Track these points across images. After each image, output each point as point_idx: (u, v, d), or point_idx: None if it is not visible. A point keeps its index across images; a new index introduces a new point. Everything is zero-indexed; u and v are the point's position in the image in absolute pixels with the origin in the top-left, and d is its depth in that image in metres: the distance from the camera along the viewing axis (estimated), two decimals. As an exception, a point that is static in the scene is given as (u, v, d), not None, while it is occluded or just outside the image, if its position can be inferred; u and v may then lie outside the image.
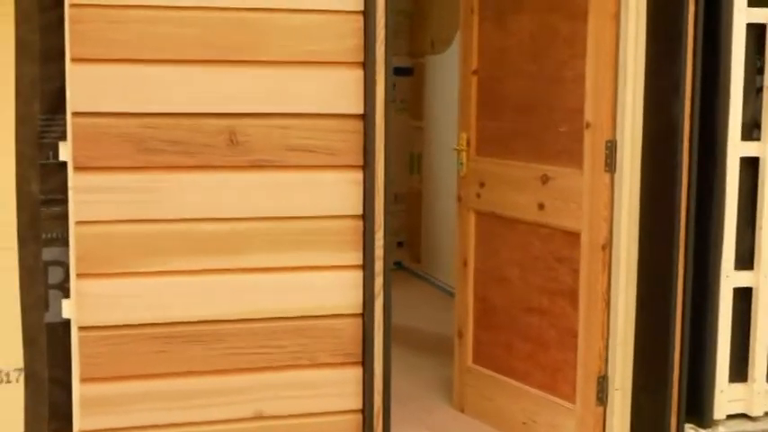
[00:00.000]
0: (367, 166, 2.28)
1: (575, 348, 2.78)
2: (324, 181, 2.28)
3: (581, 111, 2.70)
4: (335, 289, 2.31)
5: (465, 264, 3.09)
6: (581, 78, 2.69)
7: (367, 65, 2.26)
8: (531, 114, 2.85)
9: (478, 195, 3.02)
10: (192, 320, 2.24)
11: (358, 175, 2.30)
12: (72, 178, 2.15)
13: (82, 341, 2.18)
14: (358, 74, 2.27)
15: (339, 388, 2.34)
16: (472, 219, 3.06)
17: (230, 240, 2.24)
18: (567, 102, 2.73)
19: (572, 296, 2.77)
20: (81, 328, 2.18)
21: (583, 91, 2.68)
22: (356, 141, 2.28)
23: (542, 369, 2.88)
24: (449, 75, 4.32)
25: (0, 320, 2.16)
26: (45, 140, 2.17)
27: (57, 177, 2.19)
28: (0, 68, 2.11)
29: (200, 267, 2.23)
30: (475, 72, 3.01)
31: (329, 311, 2.31)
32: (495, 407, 3.00)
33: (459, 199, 3.10)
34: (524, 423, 2.93)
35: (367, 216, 2.30)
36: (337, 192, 2.29)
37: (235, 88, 2.20)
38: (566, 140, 2.75)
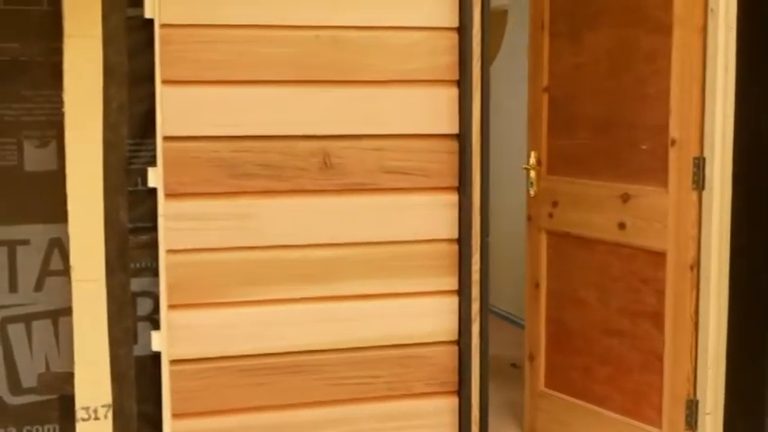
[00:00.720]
0: (463, 188, 2.20)
1: (659, 371, 2.69)
2: (418, 204, 2.20)
3: (665, 127, 2.62)
4: (431, 316, 2.23)
5: (536, 285, 3.01)
6: (664, 94, 2.62)
7: (462, 83, 2.18)
8: (609, 132, 2.78)
9: (551, 215, 2.94)
10: (286, 351, 2.16)
11: (453, 198, 2.22)
12: (162, 205, 2.06)
13: (173, 375, 2.09)
14: (453, 92, 2.19)
15: (435, 418, 2.26)
16: (544, 239, 2.98)
17: (324, 267, 2.15)
18: (650, 119, 2.65)
19: (656, 318, 2.68)
20: (172, 362, 2.09)
21: (667, 107, 2.61)
22: (452, 162, 2.20)
23: (623, 393, 2.79)
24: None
25: (88, 355, 2.06)
26: (133, 166, 2.08)
27: (145, 204, 2.10)
28: (88, 93, 2.01)
29: (293, 296, 2.14)
30: (546, 89, 2.93)
31: (424, 339, 2.23)
32: (571, 432, 2.92)
33: (530, 219, 3.02)
34: (605, 449, 2.84)
35: (463, 240, 2.21)
36: (432, 215, 2.21)
37: (328, 109, 2.12)
38: (648, 158, 2.67)
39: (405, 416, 2.23)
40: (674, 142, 2.61)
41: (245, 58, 2.06)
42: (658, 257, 2.69)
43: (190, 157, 2.06)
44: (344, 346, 2.18)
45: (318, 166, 2.13)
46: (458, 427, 2.26)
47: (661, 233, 2.66)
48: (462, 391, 2.25)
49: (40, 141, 2.08)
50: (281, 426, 2.16)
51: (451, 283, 2.23)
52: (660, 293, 2.68)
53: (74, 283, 2.05)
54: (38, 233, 2.10)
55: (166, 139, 2.05)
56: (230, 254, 2.11)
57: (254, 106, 2.08)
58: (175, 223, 2.06)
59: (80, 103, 2.03)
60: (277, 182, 2.11)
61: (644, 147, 2.70)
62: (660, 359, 2.70)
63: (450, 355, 2.25)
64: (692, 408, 2.63)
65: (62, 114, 2.09)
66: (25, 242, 2.09)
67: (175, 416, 2.10)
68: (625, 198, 2.74)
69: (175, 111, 2.04)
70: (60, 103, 2.09)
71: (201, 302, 2.10)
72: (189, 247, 2.08)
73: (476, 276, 2.22)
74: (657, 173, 2.67)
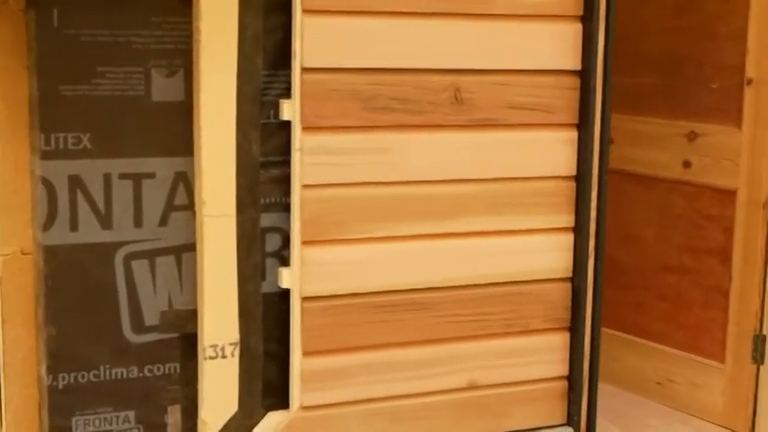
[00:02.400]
0: (583, 126, 2.20)
1: (723, 307, 2.76)
2: (541, 140, 2.20)
3: (739, 67, 2.66)
4: (547, 252, 2.24)
5: (588, 222, 3.03)
6: (738, 34, 2.65)
7: (586, 19, 2.17)
8: (675, 71, 2.80)
9: (606, 153, 2.95)
10: (412, 288, 2.14)
11: (573, 135, 2.21)
12: (299, 139, 2.00)
13: (305, 312, 2.05)
14: (577, 28, 2.18)
15: (548, 355, 2.28)
16: (597, 177, 2.99)
17: (451, 203, 2.14)
18: (721, 58, 2.69)
19: (722, 254, 2.74)
20: (304, 299, 2.05)
21: (742, 47, 2.64)
22: (573, 99, 2.19)
23: (682, 328, 2.86)
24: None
25: (216, 292, 2.00)
26: (266, 98, 2.02)
27: (276, 138, 2.04)
28: (223, 20, 1.94)
29: (421, 232, 2.12)
30: (605, 27, 2.93)
31: (541, 276, 2.24)
32: (624, 368, 2.98)
33: (583, 156, 3.03)
34: (659, 383, 2.91)
35: (581, 177, 2.22)
36: (553, 152, 2.21)
37: (459, 43, 2.09)
38: (719, 97, 2.71)
39: (519, 352, 2.25)
40: (749, 81, 2.65)
41: (385, -11, 2.01)
42: (726, 195, 2.74)
43: (327, 90, 2.01)
44: (464, 283, 2.17)
45: (449, 100, 2.10)
46: (569, 362, 2.28)
47: (731, 171, 2.71)
48: (575, 327, 2.27)
49: (168, 71, 2.00)
50: (404, 363, 2.15)
51: (568, 220, 2.23)
52: (727, 230, 2.74)
53: (205, 219, 1.99)
54: (163, 166, 2.03)
55: (305, 70, 1.99)
56: (362, 189, 2.07)
57: (390, 38, 2.04)
58: (311, 157, 2.02)
59: (215, 31, 1.95)
60: (410, 116, 2.07)
61: (714, 86, 2.73)
62: (724, 295, 2.76)
63: (564, 292, 2.26)
64: (759, 342, 2.71)
65: (191, 42, 2.00)
66: (151, 175, 2.02)
67: (306, 354, 2.06)
68: (692, 137, 2.78)
69: (316, 41, 1.98)
70: (189, 30, 2.00)
71: (332, 239, 2.06)
72: (323, 182, 2.03)
73: (593, 214, 2.22)
74: (729, 112, 2.71)
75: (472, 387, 2.19)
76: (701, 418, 2.81)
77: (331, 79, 2.00)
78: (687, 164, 2.79)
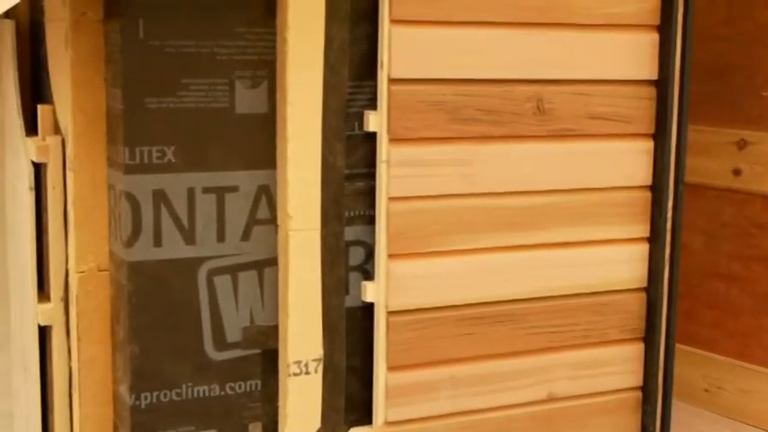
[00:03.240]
0: (659, 135, 2.19)
1: (774, 313, 2.77)
2: (618, 150, 2.19)
3: (791, 75, 2.67)
4: (624, 263, 2.23)
5: (632, 231, 3.02)
6: (792, 42, 2.66)
7: (663, 28, 2.16)
8: (725, 80, 2.81)
9: (651, 161, 2.95)
10: (495, 300, 2.12)
11: (649, 145, 2.21)
12: (385, 151, 1.98)
13: (390, 326, 2.02)
14: (654, 38, 2.17)
15: (624, 365, 2.27)
16: (643, 185, 2.99)
17: (532, 215, 2.12)
18: (773, 66, 2.70)
19: (773, 262, 2.75)
20: (389, 313, 2.02)
21: (794, 55, 2.65)
22: (649, 109, 2.19)
23: (730, 336, 2.86)
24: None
25: (301, 308, 1.97)
26: (350, 110, 1.99)
27: (361, 150, 2.02)
28: (310, 31, 1.91)
29: (504, 244, 2.11)
30: (651, 35, 2.93)
31: (618, 286, 2.23)
32: (671, 375, 2.97)
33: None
34: (707, 390, 2.91)
35: (657, 187, 2.21)
36: (630, 161, 2.20)
37: (541, 53, 2.08)
38: (769, 105, 2.72)
39: (596, 363, 2.23)
40: (803, 90, 2.66)
41: (471, -1, 1.99)
42: (778, 203, 2.75)
43: (415, 101, 1.98)
44: (545, 295, 2.16)
45: (532, 111, 2.08)
46: (643, 373, 2.27)
47: (783, 179, 2.72)
48: (649, 337, 2.26)
49: (251, 82, 1.96)
50: (487, 376, 2.13)
51: (644, 230, 2.22)
52: (779, 238, 2.75)
53: (290, 234, 1.96)
54: (246, 180, 1.99)
55: (392, 81, 1.96)
56: (447, 201, 2.05)
57: (475, 48, 2.02)
58: (397, 170, 1.99)
59: (302, 42, 1.92)
60: (494, 127, 2.05)
61: (765, 94, 2.74)
62: (775, 302, 2.77)
63: (639, 302, 2.25)
64: (812, 348, 2.72)
65: (274, 54, 1.97)
66: (234, 189, 1.98)
67: (391, 368, 2.03)
68: (741, 144, 2.79)
69: (404, 52, 1.96)
70: (273, 41, 1.97)
71: (417, 252, 2.03)
72: (409, 194, 2.00)
73: (668, 224, 2.22)
74: (781, 120, 2.72)
75: (552, 399, 2.18)
76: (751, 425, 2.81)
77: (418, 90, 1.97)
78: (737, 172, 2.80)
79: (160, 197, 1.94)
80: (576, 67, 2.11)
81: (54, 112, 2.15)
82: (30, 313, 2.16)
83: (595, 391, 2.23)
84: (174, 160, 1.94)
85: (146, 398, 1.98)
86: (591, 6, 2.09)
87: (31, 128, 2.13)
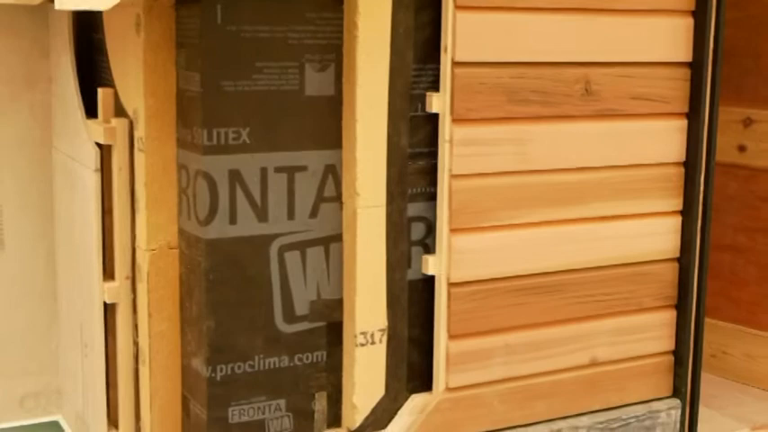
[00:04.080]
0: (693, 114, 2.32)
1: (778, 282, 2.92)
2: (656, 129, 2.31)
3: (795, 56, 2.81)
4: (658, 235, 2.36)
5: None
6: (795, 25, 2.81)
7: (698, 13, 2.29)
8: (732, 61, 2.94)
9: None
10: (545, 271, 2.23)
11: (684, 123, 2.33)
12: (449, 130, 2.08)
13: (451, 297, 2.13)
14: (689, 22, 2.30)
15: (657, 331, 2.40)
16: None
17: (577, 190, 2.24)
18: (778, 48, 2.84)
19: (778, 233, 2.91)
20: (451, 284, 2.13)
21: (799, 38, 2.80)
22: (685, 89, 2.31)
23: (735, 303, 3.01)
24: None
25: (367, 281, 2.07)
26: (414, 92, 2.09)
27: (423, 130, 2.11)
28: (377, 16, 2.00)
29: (553, 218, 2.22)
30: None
31: (654, 257, 2.36)
32: (676, 342, 3.12)
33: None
34: (713, 356, 3.06)
35: (690, 163, 2.34)
36: (666, 139, 2.32)
37: (589, 36, 2.19)
38: (775, 85, 2.86)
39: (634, 329, 2.36)
40: (808, 70, 2.82)
41: (528, -16, 2.09)
42: (783, 177, 2.90)
43: (477, 83, 2.08)
44: (590, 266, 2.27)
45: (580, 92, 2.19)
46: (674, 338, 2.41)
47: (787, 155, 2.87)
48: (681, 304, 2.39)
49: (319, 65, 2.05)
50: (537, 343, 2.25)
51: (678, 204, 2.36)
52: (783, 210, 2.90)
53: (358, 210, 2.05)
54: (314, 159, 2.08)
55: (456, 64, 2.06)
56: (503, 178, 2.15)
57: (532, 32, 2.12)
58: (459, 149, 2.09)
59: (371, 27, 2.01)
60: (546, 107, 2.16)
61: (771, 74, 2.89)
62: (779, 271, 2.93)
63: (672, 272, 2.38)
64: (815, 314, 2.89)
65: (341, 38, 2.06)
66: (303, 168, 2.07)
67: (452, 337, 2.14)
68: (747, 123, 2.93)
69: (468, 36, 2.05)
70: (340, 26, 2.06)
71: (476, 227, 2.14)
72: (470, 171, 2.11)
73: (700, 197, 2.35)
74: (786, 99, 2.87)
75: (594, 364, 2.30)
76: (759, 387, 2.97)
77: (480, 73, 2.08)
78: (742, 148, 2.94)
79: (235, 177, 2.02)
80: (620, 50, 2.22)
81: (115, 95, 2.20)
82: (95, 292, 2.22)
83: (632, 356, 2.37)
84: (248, 141, 2.01)
85: (221, 370, 2.06)
86: (633, -8, 2.20)
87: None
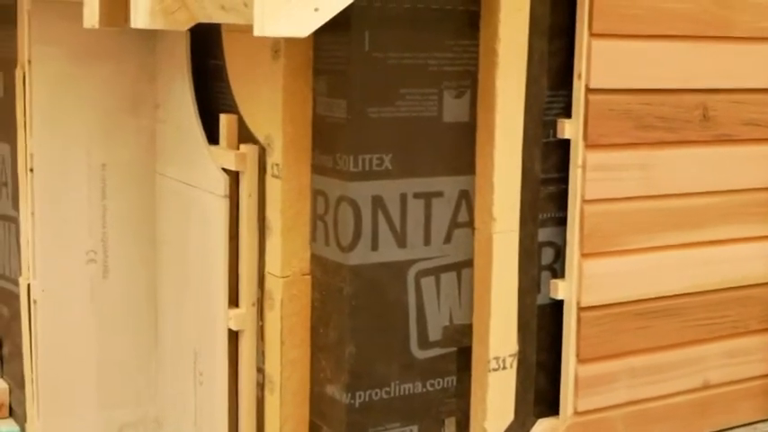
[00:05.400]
0: (798, 140, 2.38)
1: None
2: (762, 154, 2.36)
3: None
4: (765, 258, 2.40)
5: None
6: None
7: (803, 40, 2.35)
8: None
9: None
10: (667, 295, 2.27)
11: (788, 147, 2.39)
12: (581, 156, 2.11)
13: (581, 321, 2.16)
14: (799, 49, 2.36)
15: (761, 353, 2.44)
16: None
17: (696, 214, 2.28)
18: None
19: None
20: (581, 309, 2.15)
21: None
22: (789, 115, 2.37)
23: None
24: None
25: (500, 306, 2.09)
26: (546, 118, 2.11)
27: (554, 156, 2.14)
28: (515, 43, 2.03)
29: (673, 242, 2.26)
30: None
31: (759, 280, 2.40)
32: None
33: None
34: None
35: (794, 186, 2.40)
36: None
37: (707, 63, 2.24)
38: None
39: (742, 351, 2.40)
40: None
41: (659, 14, 2.14)
42: None
43: (607, 110, 2.12)
44: (707, 289, 2.32)
45: (699, 118, 2.24)
46: (775, 360, 2.46)
47: None
48: (783, 327, 2.44)
49: (456, 92, 2.07)
50: (657, 366, 2.28)
51: (779, 227, 2.41)
52: None
53: (494, 236, 2.07)
54: (449, 185, 2.09)
55: (590, 91, 2.09)
56: (631, 203, 2.19)
57: (657, 60, 2.16)
58: (591, 174, 2.12)
59: (509, 54, 2.04)
60: (668, 133, 2.20)
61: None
62: None
63: (772, 294, 2.44)
64: None
65: (476, 64, 2.08)
66: (439, 194, 2.08)
67: (581, 361, 2.16)
68: None
69: (600, 63, 2.09)
70: (476, 53, 2.08)
71: (605, 251, 2.16)
72: (601, 197, 2.14)
73: (805, 221, 2.41)
74: None
75: (706, 387, 2.33)
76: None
77: (611, 99, 2.11)
78: None
79: (378, 203, 2.02)
80: (735, 76, 2.27)
81: (239, 121, 2.20)
82: (218, 319, 2.20)
83: (740, 378, 2.40)
84: (390, 167, 2.02)
85: (359, 396, 2.06)
86: (748, 20, 2.25)
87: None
